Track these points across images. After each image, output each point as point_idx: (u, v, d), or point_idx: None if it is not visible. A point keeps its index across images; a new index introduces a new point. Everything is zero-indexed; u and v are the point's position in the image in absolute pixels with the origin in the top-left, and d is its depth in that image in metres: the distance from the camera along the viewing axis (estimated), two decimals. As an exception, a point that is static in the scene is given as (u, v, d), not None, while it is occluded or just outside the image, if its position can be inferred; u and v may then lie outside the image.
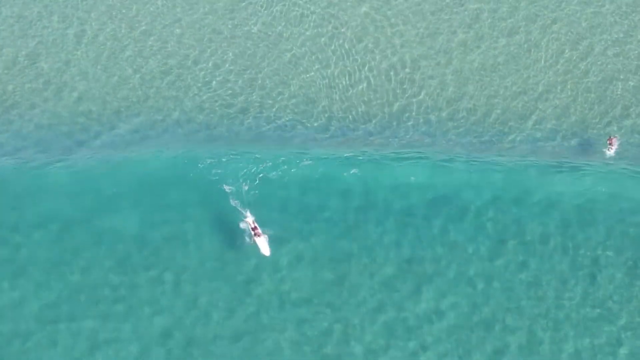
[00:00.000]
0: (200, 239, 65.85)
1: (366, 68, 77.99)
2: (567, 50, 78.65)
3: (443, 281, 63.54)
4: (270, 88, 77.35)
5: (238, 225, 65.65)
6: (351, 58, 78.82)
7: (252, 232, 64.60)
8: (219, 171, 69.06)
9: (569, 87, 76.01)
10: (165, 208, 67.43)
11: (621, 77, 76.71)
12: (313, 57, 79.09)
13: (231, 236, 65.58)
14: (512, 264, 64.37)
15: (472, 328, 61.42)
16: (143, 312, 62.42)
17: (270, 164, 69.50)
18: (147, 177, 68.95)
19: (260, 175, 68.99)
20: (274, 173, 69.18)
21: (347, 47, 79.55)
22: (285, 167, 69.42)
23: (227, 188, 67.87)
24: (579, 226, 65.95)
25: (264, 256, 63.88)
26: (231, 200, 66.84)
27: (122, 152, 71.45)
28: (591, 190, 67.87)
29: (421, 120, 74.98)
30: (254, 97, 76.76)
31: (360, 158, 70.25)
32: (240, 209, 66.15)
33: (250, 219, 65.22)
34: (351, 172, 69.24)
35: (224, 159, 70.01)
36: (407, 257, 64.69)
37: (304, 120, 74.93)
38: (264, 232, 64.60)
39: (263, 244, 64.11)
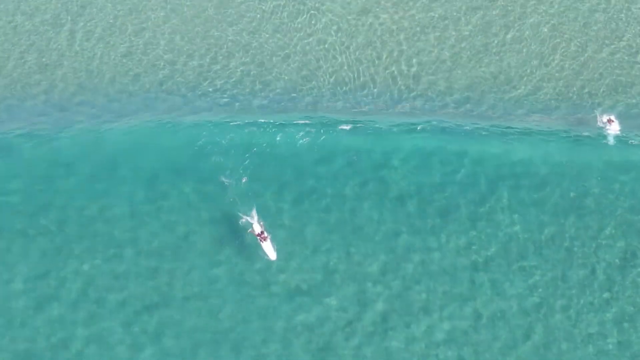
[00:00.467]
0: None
1: (364, 65, 78.05)
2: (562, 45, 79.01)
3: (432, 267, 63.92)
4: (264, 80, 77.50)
5: (238, 221, 65.65)
6: (344, 49, 78.86)
7: (258, 237, 63.69)
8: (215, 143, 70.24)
9: (561, 84, 76.22)
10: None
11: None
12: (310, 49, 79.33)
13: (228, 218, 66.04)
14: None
15: (463, 318, 61.62)
16: (137, 303, 62.57)
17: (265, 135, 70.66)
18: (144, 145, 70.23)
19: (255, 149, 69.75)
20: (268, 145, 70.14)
21: (342, 40, 79.50)
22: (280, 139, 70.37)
23: (225, 180, 67.79)
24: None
25: (265, 252, 63.52)
26: (229, 195, 66.80)
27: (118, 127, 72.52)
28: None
29: (421, 101, 75.48)
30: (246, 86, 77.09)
31: (357, 128, 71.24)
32: (247, 216, 65.23)
33: (257, 225, 64.13)
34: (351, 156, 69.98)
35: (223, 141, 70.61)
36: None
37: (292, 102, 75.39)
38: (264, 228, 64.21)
39: (269, 248, 63.39)
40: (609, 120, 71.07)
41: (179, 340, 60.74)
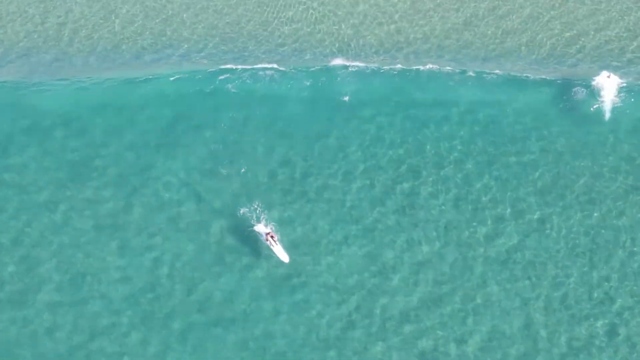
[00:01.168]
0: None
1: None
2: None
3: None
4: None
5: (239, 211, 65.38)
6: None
7: (268, 243, 62.77)
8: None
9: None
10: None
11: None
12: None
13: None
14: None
15: (454, 302, 61.23)
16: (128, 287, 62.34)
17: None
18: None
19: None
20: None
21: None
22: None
23: (224, 171, 67.69)
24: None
25: (277, 255, 62.92)
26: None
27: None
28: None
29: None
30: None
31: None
32: (255, 220, 64.61)
33: (265, 228, 63.38)
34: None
35: None
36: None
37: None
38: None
39: (280, 252, 62.54)
40: (607, 77, 71.22)
41: (170, 323, 60.37)
